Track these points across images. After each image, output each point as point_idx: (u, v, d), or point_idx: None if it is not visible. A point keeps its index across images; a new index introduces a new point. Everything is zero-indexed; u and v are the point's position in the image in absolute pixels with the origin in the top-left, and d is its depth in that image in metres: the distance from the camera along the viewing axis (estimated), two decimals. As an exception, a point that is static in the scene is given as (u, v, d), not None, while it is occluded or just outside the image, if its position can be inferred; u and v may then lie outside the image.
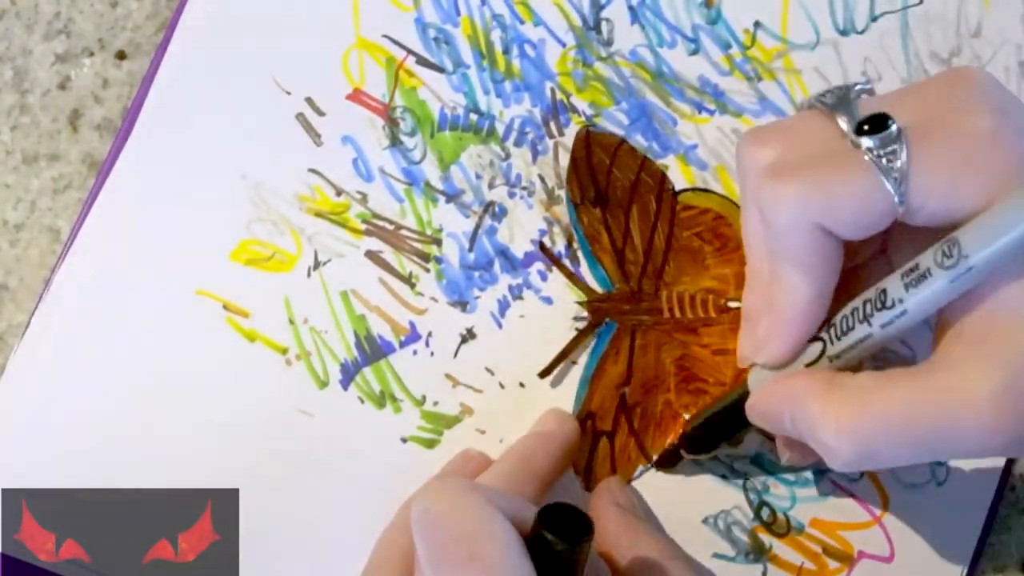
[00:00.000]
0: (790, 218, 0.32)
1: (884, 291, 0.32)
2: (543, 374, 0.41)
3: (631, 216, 0.42)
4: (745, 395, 0.37)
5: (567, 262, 0.42)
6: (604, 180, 0.42)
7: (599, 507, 0.39)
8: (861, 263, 0.36)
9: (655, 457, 0.41)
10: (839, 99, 0.33)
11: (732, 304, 0.42)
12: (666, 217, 0.42)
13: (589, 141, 0.42)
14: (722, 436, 0.40)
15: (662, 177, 0.42)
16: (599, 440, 0.41)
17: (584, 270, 0.42)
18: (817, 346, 0.34)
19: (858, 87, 0.33)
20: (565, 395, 0.42)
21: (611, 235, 0.42)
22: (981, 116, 0.31)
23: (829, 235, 0.32)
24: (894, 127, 0.31)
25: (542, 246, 0.42)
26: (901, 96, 0.33)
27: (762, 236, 0.34)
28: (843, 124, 0.32)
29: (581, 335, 0.42)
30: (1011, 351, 0.30)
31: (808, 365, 0.35)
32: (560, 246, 0.42)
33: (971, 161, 0.31)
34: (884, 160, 0.31)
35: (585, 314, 0.42)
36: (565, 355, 0.42)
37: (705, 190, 0.42)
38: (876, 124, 0.31)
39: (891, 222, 0.32)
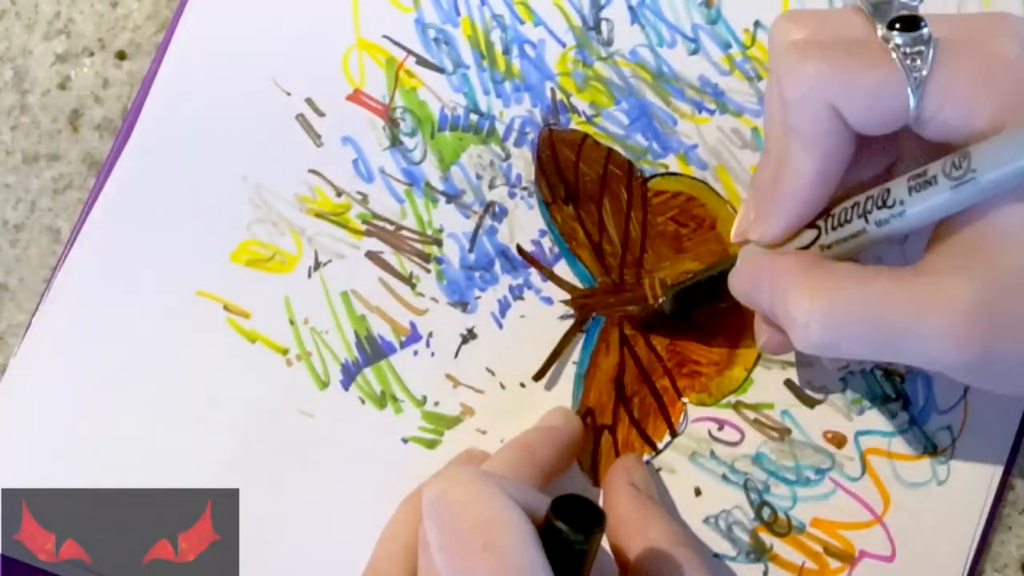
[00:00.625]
0: (805, 93, 0.32)
1: (888, 190, 0.32)
2: (537, 376, 0.42)
3: (604, 208, 0.42)
4: (731, 268, 0.37)
5: (567, 262, 0.42)
6: (572, 176, 0.42)
7: (613, 484, 0.39)
8: (866, 180, 0.36)
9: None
10: (880, 3, 0.33)
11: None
12: (638, 205, 0.42)
13: (552, 140, 0.42)
14: (701, 299, 0.40)
15: (629, 166, 0.42)
16: (601, 435, 0.41)
17: (564, 269, 0.42)
18: (811, 232, 0.35)
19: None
20: (562, 395, 0.42)
21: (586, 230, 0.42)
22: (1010, 44, 0.32)
23: (841, 121, 0.33)
24: (925, 30, 0.32)
25: (519, 249, 0.42)
26: (940, 16, 0.33)
27: (779, 114, 0.34)
28: (878, 24, 0.33)
29: (569, 333, 0.42)
30: (995, 269, 0.31)
31: (799, 249, 0.35)
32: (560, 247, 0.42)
33: (992, 80, 0.31)
34: (908, 59, 0.31)
35: (572, 312, 0.42)
36: (556, 355, 0.42)
37: (674, 174, 0.42)
38: (908, 24, 0.32)
39: (902, 124, 0.32)
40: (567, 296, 0.42)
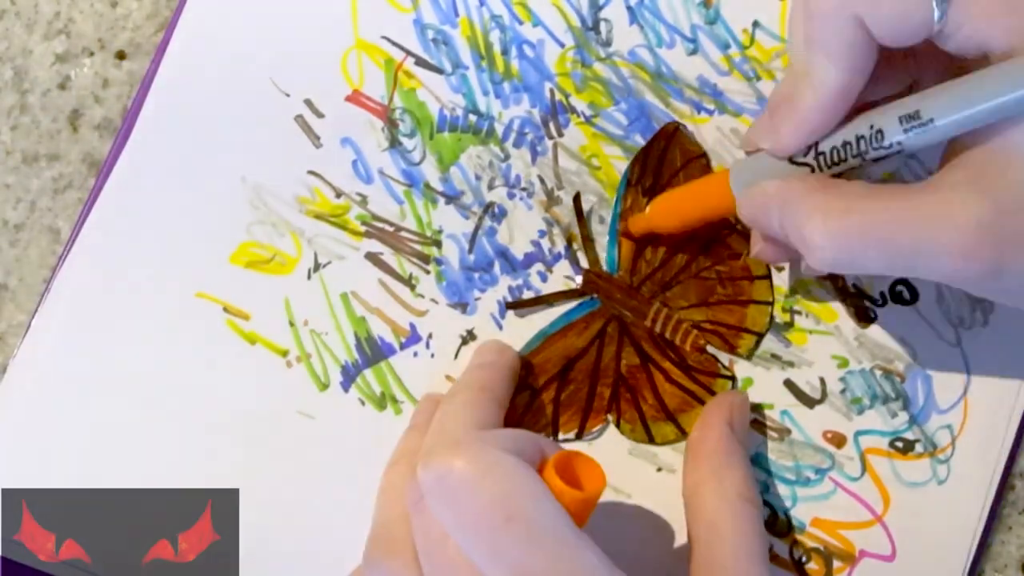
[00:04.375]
0: (833, 6, 0.33)
1: (881, 132, 0.33)
2: (513, 306, 0.42)
3: None
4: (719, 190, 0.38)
5: (566, 263, 0.42)
6: (666, 177, 0.42)
7: (709, 418, 0.39)
8: (880, 100, 0.36)
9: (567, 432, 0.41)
10: None
11: (710, 350, 0.41)
12: (701, 241, 0.42)
13: (674, 138, 0.42)
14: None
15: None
16: (525, 391, 0.41)
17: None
18: (803, 171, 0.35)
19: None
20: (518, 339, 0.42)
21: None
22: None
23: (866, 33, 0.33)
24: None
25: (576, 198, 0.42)
26: None
27: (803, 28, 0.34)
28: None
29: (565, 293, 0.42)
30: (1004, 185, 0.31)
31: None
32: (560, 247, 0.42)
33: (1013, 1, 0.31)
34: None
35: (579, 280, 0.42)
36: (540, 301, 0.42)
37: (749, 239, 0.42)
38: None
39: (924, 36, 0.32)
40: (585, 265, 0.42)
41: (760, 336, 0.41)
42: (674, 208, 0.40)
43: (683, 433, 0.41)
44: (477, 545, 0.30)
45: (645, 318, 0.42)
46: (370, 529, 0.37)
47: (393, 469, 0.38)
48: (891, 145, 0.33)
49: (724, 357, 0.42)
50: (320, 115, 0.42)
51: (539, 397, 0.41)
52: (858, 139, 0.33)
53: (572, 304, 0.42)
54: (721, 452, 0.38)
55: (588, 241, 0.42)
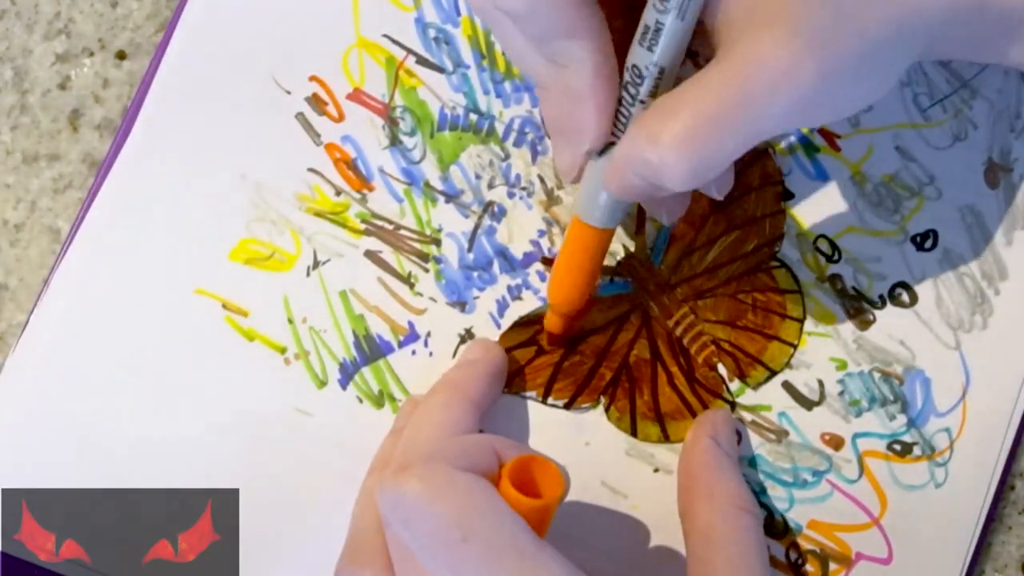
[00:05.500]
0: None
1: (635, 67, 0.32)
2: (547, 262, 0.42)
3: (727, 235, 0.42)
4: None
5: None
6: (737, 193, 0.41)
7: (694, 435, 0.40)
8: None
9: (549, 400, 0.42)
10: None
11: (720, 370, 0.41)
12: (749, 264, 0.42)
13: (760, 162, 0.42)
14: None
15: (779, 239, 0.42)
16: (532, 347, 0.41)
17: (649, 231, 0.42)
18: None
19: None
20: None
21: (699, 232, 0.42)
22: None
23: None
24: None
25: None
26: None
27: (522, 43, 0.33)
28: None
29: (608, 270, 0.41)
30: (772, 5, 0.30)
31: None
32: (558, 247, 0.42)
33: None
34: None
35: (622, 255, 0.42)
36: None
37: (796, 277, 0.42)
38: None
39: None
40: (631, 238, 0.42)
41: (773, 373, 0.41)
42: (565, 284, 0.39)
43: (666, 437, 0.41)
44: (439, 566, 0.30)
45: (670, 318, 0.42)
46: (349, 530, 0.37)
47: (371, 477, 0.39)
48: (650, 69, 0.32)
49: (732, 383, 0.41)
50: (321, 113, 0.42)
51: (544, 357, 0.41)
52: (627, 87, 0.33)
53: (605, 281, 0.42)
54: (710, 466, 0.38)
55: (641, 213, 0.42)
